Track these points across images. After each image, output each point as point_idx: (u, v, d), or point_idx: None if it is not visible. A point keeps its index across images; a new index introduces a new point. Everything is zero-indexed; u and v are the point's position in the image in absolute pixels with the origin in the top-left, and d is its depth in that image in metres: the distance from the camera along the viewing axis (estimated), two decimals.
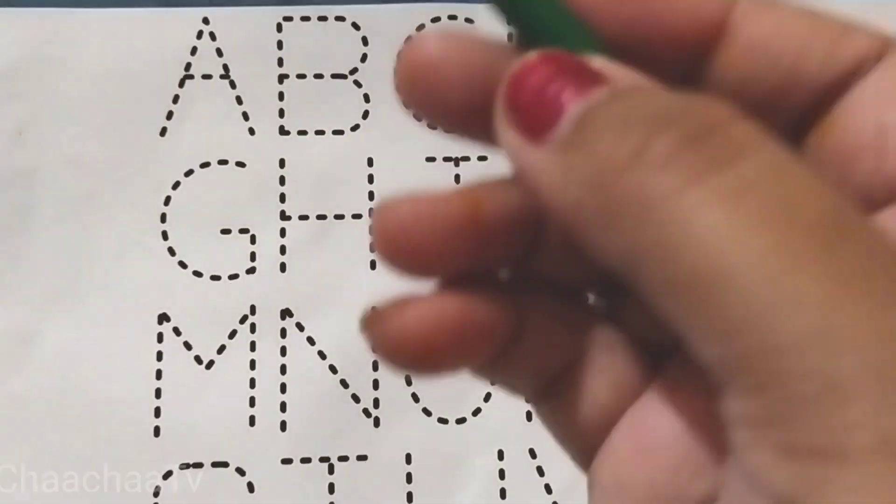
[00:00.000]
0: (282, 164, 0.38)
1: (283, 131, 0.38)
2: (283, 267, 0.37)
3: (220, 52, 0.39)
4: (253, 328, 0.36)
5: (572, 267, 0.16)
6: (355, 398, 0.36)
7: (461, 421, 0.36)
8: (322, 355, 0.36)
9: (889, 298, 0.12)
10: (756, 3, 0.16)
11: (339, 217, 0.38)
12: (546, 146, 0.14)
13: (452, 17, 0.39)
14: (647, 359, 0.17)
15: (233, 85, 0.38)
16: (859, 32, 0.16)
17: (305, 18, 0.39)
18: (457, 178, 0.38)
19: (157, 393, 0.36)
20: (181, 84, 0.38)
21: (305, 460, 0.35)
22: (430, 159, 0.38)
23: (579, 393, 0.16)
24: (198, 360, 0.36)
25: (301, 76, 0.39)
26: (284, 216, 0.38)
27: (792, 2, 0.16)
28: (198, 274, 0.37)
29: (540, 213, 0.15)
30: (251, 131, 0.38)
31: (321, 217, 0.38)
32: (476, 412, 0.36)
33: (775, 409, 0.12)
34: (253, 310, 0.37)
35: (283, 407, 0.36)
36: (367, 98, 0.39)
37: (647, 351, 0.17)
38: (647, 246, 0.13)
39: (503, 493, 0.36)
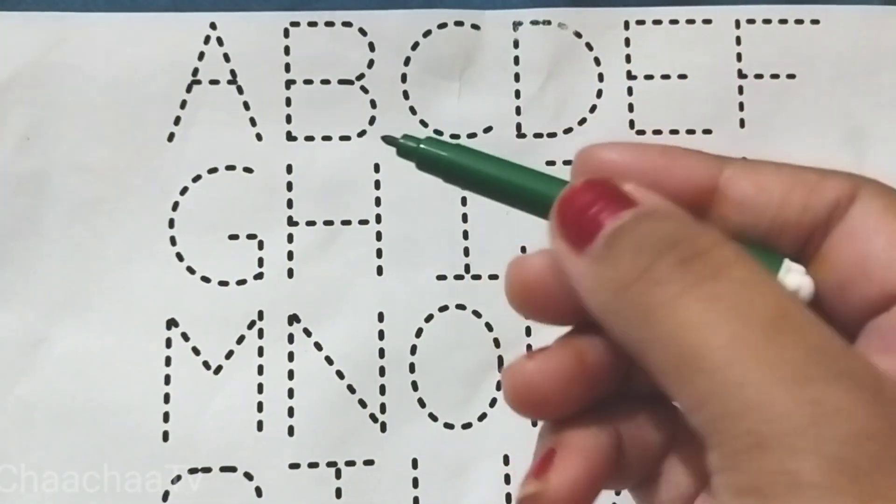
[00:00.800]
0: (289, 169, 0.38)
1: (290, 137, 0.38)
2: (290, 272, 0.37)
3: (227, 58, 0.39)
4: (261, 333, 0.37)
5: (651, 382, 0.20)
6: (362, 403, 0.36)
7: (467, 426, 0.37)
8: (329, 361, 0.37)
9: (812, 375, 0.16)
10: (740, 167, 0.20)
11: (347, 223, 0.38)
12: (585, 256, 0.18)
13: (459, 24, 0.39)
14: None
15: (240, 90, 0.39)
16: (831, 180, 0.20)
17: (312, 24, 0.39)
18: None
19: (166, 398, 0.36)
20: (189, 89, 0.38)
21: (313, 465, 0.36)
22: None
23: (665, 481, 0.21)
24: (206, 365, 0.36)
25: (308, 82, 0.39)
26: (292, 222, 0.38)
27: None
28: (206, 279, 0.37)
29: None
30: (258, 137, 0.38)
31: (328, 223, 0.38)
32: (482, 417, 0.37)
33: (728, 459, 0.16)
34: (261, 315, 0.37)
35: (290, 412, 0.36)
36: (373, 104, 0.39)
37: None
38: (649, 338, 0.17)
39: (508, 498, 0.36)
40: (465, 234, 0.38)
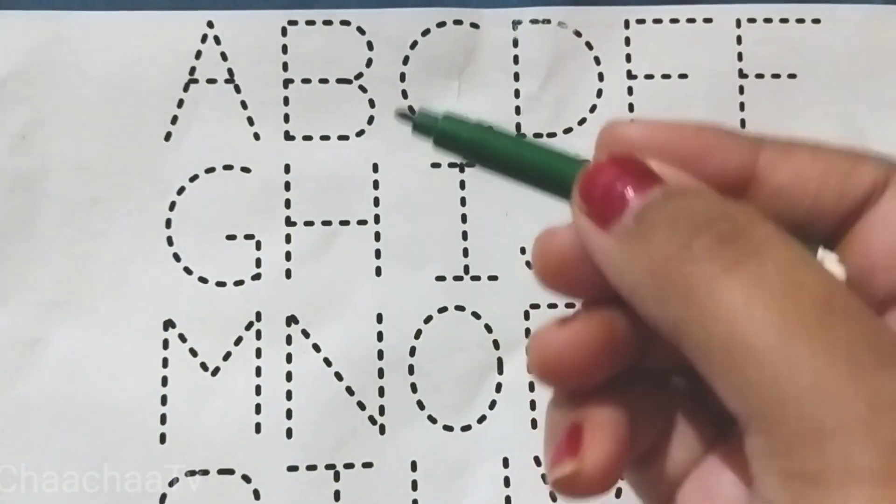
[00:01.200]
0: (287, 169, 0.38)
1: (288, 136, 0.38)
2: (288, 273, 0.37)
3: (224, 57, 0.38)
4: (258, 335, 0.36)
5: (662, 358, 0.20)
6: (361, 405, 0.36)
7: (466, 428, 0.36)
8: (328, 362, 0.36)
9: (866, 363, 0.15)
10: (777, 151, 0.20)
11: (345, 223, 0.38)
12: (611, 234, 0.18)
13: (458, 22, 0.39)
14: (714, 425, 0.21)
15: (237, 89, 0.38)
16: (866, 165, 0.19)
17: (310, 23, 0.39)
18: (461, 183, 0.38)
19: (163, 400, 0.36)
20: (186, 88, 0.38)
21: (311, 467, 0.36)
22: (435, 165, 0.38)
23: (662, 456, 0.21)
24: (203, 366, 0.36)
25: (306, 81, 0.39)
26: (290, 222, 0.37)
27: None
28: (203, 280, 0.37)
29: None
30: (256, 136, 0.38)
31: (326, 223, 0.37)
32: (481, 420, 0.36)
33: (779, 444, 0.16)
34: (258, 316, 0.37)
35: (288, 414, 0.36)
36: (372, 103, 0.38)
37: (715, 418, 0.21)
38: (688, 319, 0.17)
39: (508, 501, 0.36)
40: (465, 235, 0.38)
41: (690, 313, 0.17)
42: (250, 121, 0.38)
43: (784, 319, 0.16)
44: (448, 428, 0.36)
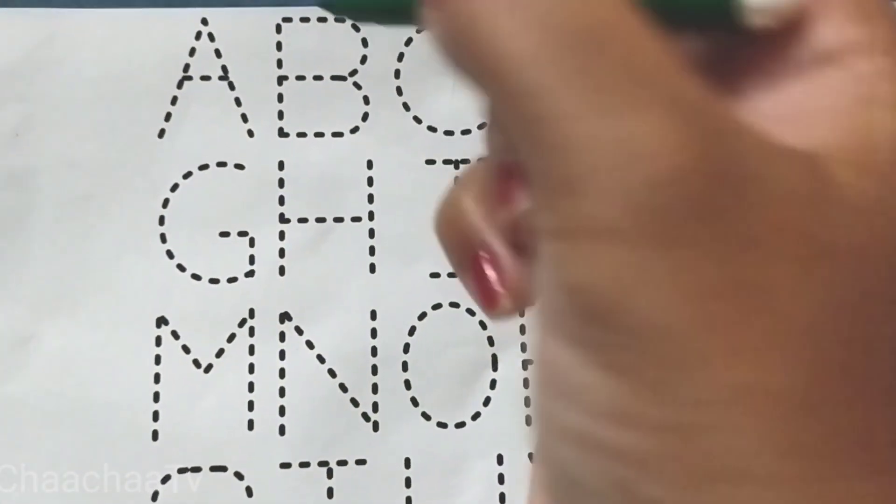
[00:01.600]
0: (281, 166, 0.38)
1: (282, 133, 0.38)
2: (282, 270, 0.37)
3: (218, 54, 0.38)
4: (252, 332, 0.36)
5: None
6: (354, 402, 0.36)
7: (460, 425, 0.36)
8: (321, 359, 0.36)
9: (627, 98, 0.14)
10: None
11: (339, 220, 0.37)
12: (443, 7, 0.16)
13: None
14: None
15: (231, 86, 0.38)
16: None
17: (305, 20, 0.39)
18: (456, 180, 0.38)
19: (156, 397, 0.35)
20: (179, 85, 0.38)
21: (304, 465, 0.35)
22: (430, 162, 0.38)
23: None
24: (196, 363, 0.36)
25: (300, 78, 0.38)
26: (283, 219, 0.37)
27: None
28: (196, 277, 0.37)
29: None
30: (250, 133, 0.38)
31: (320, 220, 0.37)
32: (475, 416, 0.36)
33: (543, 199, 0.14)
34: (252, 313, 0.36)
35: (281, 411, 0.36)
36: (366, 100, 0.38)
37: None
38: (476, 72, 0.15)
39: (502, 498, 0.36)
40: None
41: (476, 61, 0.15)
42: (244, 118, 0.38)
43: (550, 59, 0.14)
44: (442, 425, 0.36)
